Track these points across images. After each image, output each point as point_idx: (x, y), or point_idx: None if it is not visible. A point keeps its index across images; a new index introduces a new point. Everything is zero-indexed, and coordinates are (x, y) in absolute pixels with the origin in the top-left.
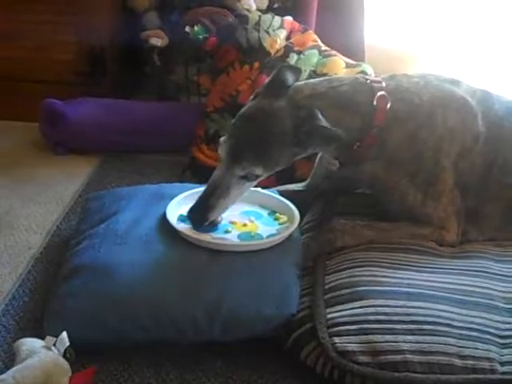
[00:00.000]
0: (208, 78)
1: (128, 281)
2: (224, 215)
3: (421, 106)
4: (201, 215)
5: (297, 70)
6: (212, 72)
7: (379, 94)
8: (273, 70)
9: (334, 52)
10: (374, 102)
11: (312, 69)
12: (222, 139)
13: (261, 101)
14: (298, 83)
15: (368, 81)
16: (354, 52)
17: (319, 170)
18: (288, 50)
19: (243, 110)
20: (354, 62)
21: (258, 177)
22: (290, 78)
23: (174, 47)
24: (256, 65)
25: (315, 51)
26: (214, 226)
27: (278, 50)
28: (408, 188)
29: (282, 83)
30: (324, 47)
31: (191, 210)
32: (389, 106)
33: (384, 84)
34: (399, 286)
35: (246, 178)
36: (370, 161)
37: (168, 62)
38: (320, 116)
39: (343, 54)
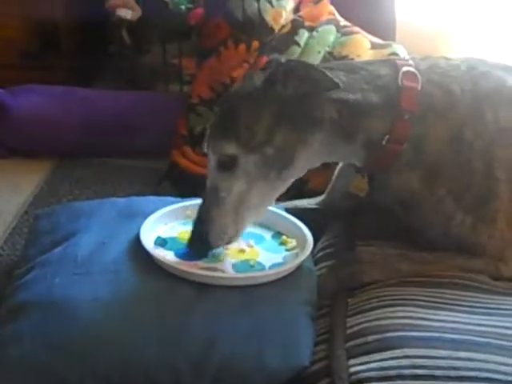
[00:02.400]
0: (193, 60)
1: (90, 323)
2: None
3: (462, 97)
4: (201, 242)
5: None
6: (198, 53)
7: (404, 69)
8: (276, 52)
9: (355, 29)
10: (399, 79)
11: (328, 50)
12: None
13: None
14: None
15: (390, 59)
16: (382, 29)
17: (338, 184)
18: (297, 25)
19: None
20: (382, 42)
21: (234, 158)
22: None
23: (149, 21)
24: (255, 44)
25: (332, 27)
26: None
27: (283, 26)
28: (453, 209)
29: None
30: (343, 22)
31: (190, 238)
32: (420, 85)
33: (412, 62)
34: (442, 332)
35: (224, 164)
36: (405, 169)
37: (141, 40)
38: (292, 58)
39: (368, 32)
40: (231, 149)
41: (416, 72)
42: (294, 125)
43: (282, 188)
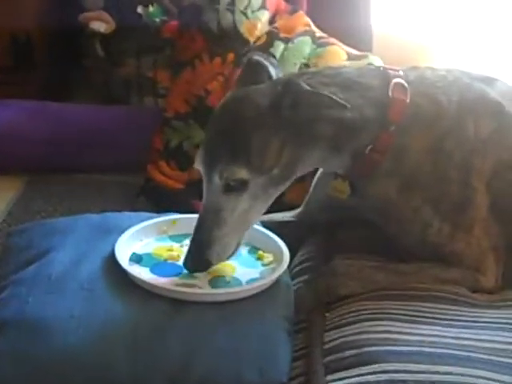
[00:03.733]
0: (167, 73)
1: (65, 342)
2: None
3: (448, 108)
4: (197, 258)
5: (273, 61)
6: (173, 66)
7: (395, 80)
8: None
9: (331, 40)
10: (390, 92)
11: (304, 61)
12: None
13: (235, 90)
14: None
15: (380, 68)
16: (358, 40)
17: (316, 196)
18: (272, 36)
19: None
20: (358, 53)
21: (245, 183)
22: (269, 67)
23: (123, 33)
24: (230, 56)
25: (307, 39)
26: None
27: (258, 38)
28: (431, 217)
29: (259, 72)
30: (319, 33)
31: (188, 253)
32: (408, 98)
33: (402, 73)
34: (421, 346)
35: (232, 188)
36: (383, 177)
37: (115, 53)
38: (301, 82)
39: (344, 43)
40: (243, 174)
41: (405, 84)
42: (298, 144)
43: (273, 200)
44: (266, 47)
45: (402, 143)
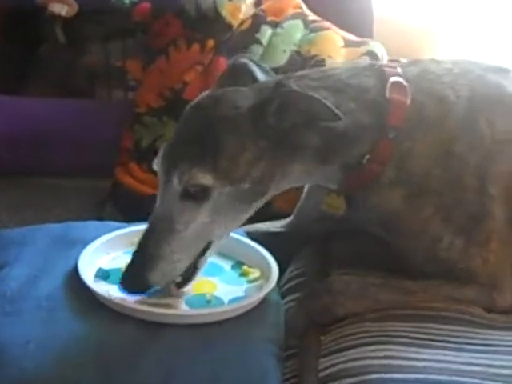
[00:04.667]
0: (138, 62)
1: (21, 370)
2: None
3: (456, 106)
4: (137, 277)
5: (266, 70)
6: (144, 54)
7: (393, 79)
8: (234, 52)
9: (326, 24)
10: (387, 93)
11: (294, 48)
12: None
13: (213, 89)
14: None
15: (375, 65)
16: (357, 25)
17: (308, 204)
18: (258, 20)
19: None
20: (357, 39)
21: (207, 191)
22: (255, 71)
23: (87, 17)
24: (210, 43)
25: (298, 22)
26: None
27: (242, 21)
28: (441, 230)
29: (243, 77)
30: (312, 17)
31: (125, 269)
32: (409, 99)
33: (399, 69)
34: (428, 373)
35: (190, 195)
36: (386, 187)
37: (78, 39)
38: (292, 84)
39: (341, 28)
40: (207, 180)
41: (405, 83)
42: (276, 155)
43: (247, 216)
44: (251, 32)
45: (404, 149)
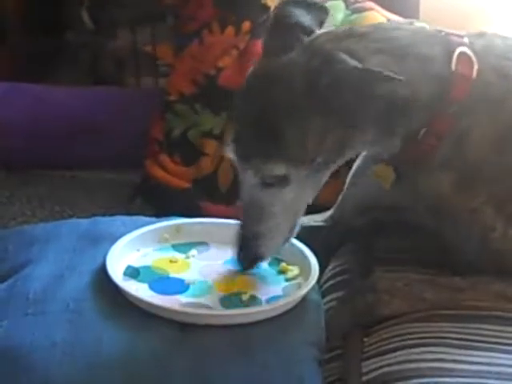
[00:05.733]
0: (169, 47)
1: (48, 374)
2: (198, 267)
3: None
4: (248, 254)
5: (319, 9)
6: (176, 39)
7: (460, 50)
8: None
9: (368, 4)
10: (453, 64)
11: None
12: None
13: (262, 62)
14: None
15: (442, 33)
16: (401, 5)
17: (351, 195)
18: None
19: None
20: (402, 20)
21: (285, 179)
22: (303, 17)
23: (114, 0)
24: (245, 26)
25: (340, 3)
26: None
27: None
28: (493, 219)
29: (289, 25)
30: None
31: (238, 250)
32: (475, 72)
33: (467, 40)
34: (481, 377)
35: (270, 184)
36: (437, 168)
37: (105, 23)
38: (342, 56)
39: (385, 7)
40: (281, 170)
41: (472, 55)
42: (343, 127)
43: (324, 182)
44: None
45: (463, 128)
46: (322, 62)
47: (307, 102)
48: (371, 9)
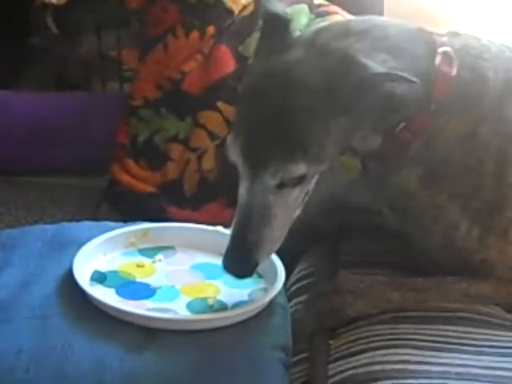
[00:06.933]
0: (134, 52)
1: (12, 381)
2: (164, 271)
3: (493, 87)
4: (245, 260)
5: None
6: (141, 43)
7: (442, 49)
8: (236, 39)
9: (333, 8)
10: (437, 62)
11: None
12: (228, 138)
13: (265, 59)
14: (319, 25)
15: (424, 31)
16: (365, 7)
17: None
18: (261, 5)
19: (243, 83)
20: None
21: (303, 178)
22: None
23: (79, 5)
24: (210, 30)
25: (304, 7)
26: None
27: (244, 7)
28: (458, 217)
29: (284, 21)
30: (317, 0)
31: (227, 256)
32: (455, 71)
33: (447, 39)
34: (445, 378)
35: (286, 185)
36: (408, 164)
37: (70, 29)
38: (364, 60)
39: (350, 11)
40: (301, 170)
41: (452, 54)
42: (353, 126)
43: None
44: (254, 19)
45: (438, 125)
46: (341, 64)
47: (328, 104)
48: (335, 13)
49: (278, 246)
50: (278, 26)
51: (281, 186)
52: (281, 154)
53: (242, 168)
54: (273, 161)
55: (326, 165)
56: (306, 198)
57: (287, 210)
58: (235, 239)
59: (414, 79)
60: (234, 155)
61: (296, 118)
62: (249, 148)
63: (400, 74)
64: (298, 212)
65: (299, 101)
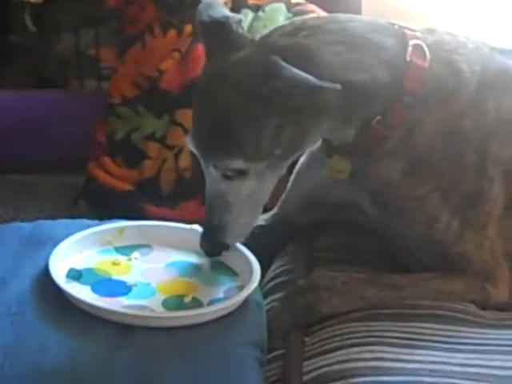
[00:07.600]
0: (112, 50)
1: None
2: (140, 269)
3: (470, 80)
4: (212, 241)
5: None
6: (118, 42)
7: (413, 42)
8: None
9: (310, 7)
10: (407, 54)
11: None
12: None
13: (214, 61)
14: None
15: (395, 26)
16: (343, 7)
17: (296, 193)
18: (238, 3)
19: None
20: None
21: (244, 172)
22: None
23: (57, 3)
24: (187, 29)
25: (281, 6)
26: None
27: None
28: (438, 209)
29: (224, 25)
30: None
31: (201, 236)
32: (427, 64)
33: (419, 34)
34: (420, 375)
35: (231, 176)
36: (387, 157)
37: (48, 27)
38: (280, 62)
39: (326, 11)
40: (239, 165)
41: (425, 48)
42: (300, 121)
43: (287, 167)
44: None
45: (415, 119)
46: (264, 68)
47: (259, 102)
48: (312, 11)
49: (247, 231)
50: (217, 30)
51: (227, 177)
52: (219, 151)
53: (199, 159)
54: (213, 155)
55: (268, 162)
56: (271, 190)
57: (246, 198)
58: (204, 222)
59: (326, 85)
60: (192, 149)
61: (230, 119)
62: (197, 144)
63: (312, 82)
64: (263, 203)
65: (232, 102)
